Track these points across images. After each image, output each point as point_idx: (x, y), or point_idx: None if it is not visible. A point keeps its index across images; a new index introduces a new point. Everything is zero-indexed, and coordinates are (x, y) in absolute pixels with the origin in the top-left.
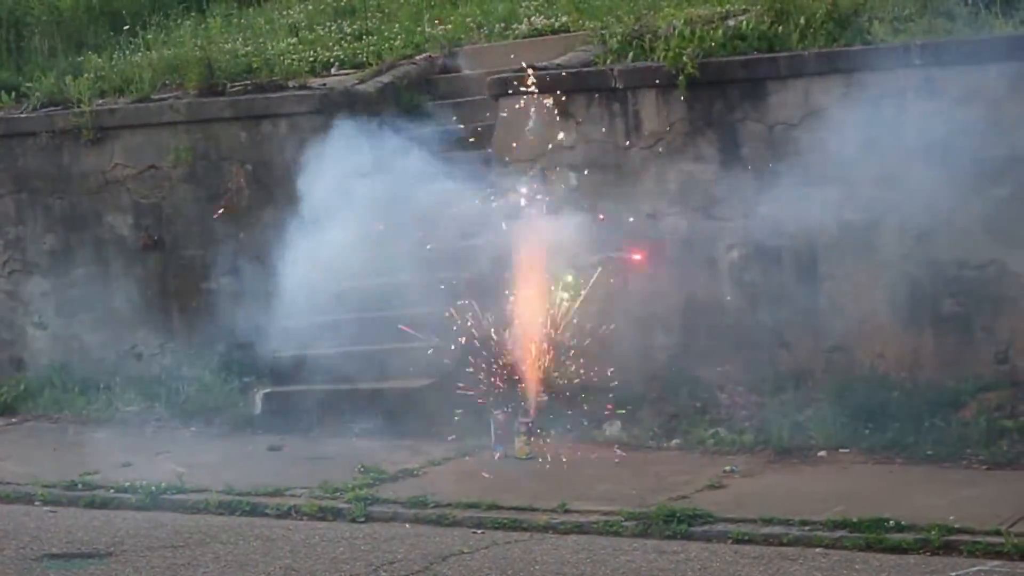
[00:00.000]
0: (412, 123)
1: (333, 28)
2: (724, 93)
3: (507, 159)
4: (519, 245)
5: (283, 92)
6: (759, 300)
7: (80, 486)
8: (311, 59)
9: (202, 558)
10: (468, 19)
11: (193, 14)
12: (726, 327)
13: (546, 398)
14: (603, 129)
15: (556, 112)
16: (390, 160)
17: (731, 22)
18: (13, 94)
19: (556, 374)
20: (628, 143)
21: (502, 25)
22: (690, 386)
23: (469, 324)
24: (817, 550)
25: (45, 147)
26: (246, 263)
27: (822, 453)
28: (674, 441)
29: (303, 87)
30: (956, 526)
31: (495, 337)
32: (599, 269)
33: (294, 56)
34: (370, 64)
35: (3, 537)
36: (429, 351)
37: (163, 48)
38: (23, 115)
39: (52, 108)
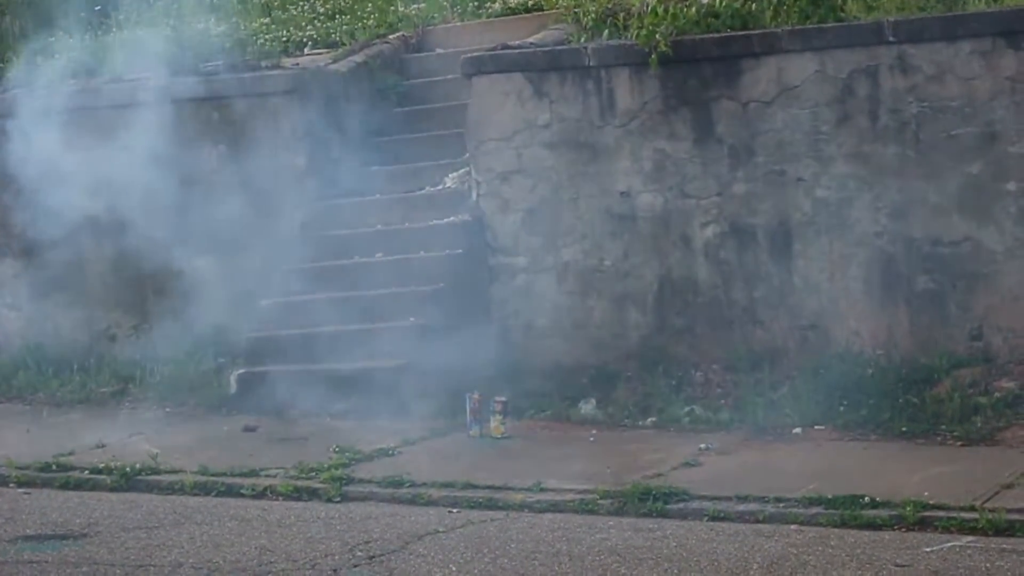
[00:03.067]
0: (384, 103)
1: (306, 8)
2: (698, 71)
3: (480, 138)
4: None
5: (256, 72)
6: (734, 278)
7: (54, 467)
8: (284, 39)
9: (177, 539)
10: None
11: None
12: (701, 305)
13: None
14: (577, 108)
15: (530, 91)
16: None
17: (704, 0)
18: None
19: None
20: (602, 121)
21: (475, 4)
22: (665, 364)
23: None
24: (792, 527)
25: (19, 128)
26: (217, 243)
27: (797, 430)
28: (649, 419)
29: (276, 67)
30: (931, 502)
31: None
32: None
33: (267, 36)
34: (343, 44)
35: None
36: (404, 331)
37: (136, 28)
38: None
39: (22, 88)
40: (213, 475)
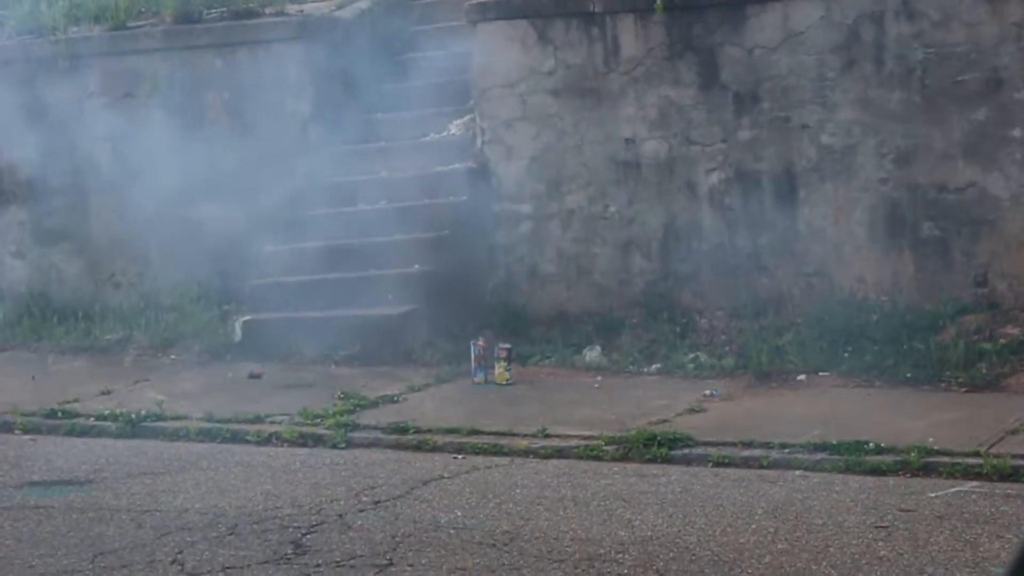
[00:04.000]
0: (389, 50)
1: None
2: (703, 17)
3: (485, 85)
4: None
5: (260, 19)
6: (738, 225)
7: (60, 414)
8: None
9: (183, 484)
10: None
11: None
12: (705, 252)
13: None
14: (581, 54)
15: (534, 37)
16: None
17: None
18: None
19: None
20: (607, 68)
21: None
22: (670, 311)
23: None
24: (797, 473)
25: (20, 75)
26: (221, 191)
27: (801, 377)
28: (654, 366)
29: (280, 13)
30: (935, 448)
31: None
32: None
33: None
34: None
35: None
36: (409, 278)
37: None
38: None
39: (27, 36)
40: (218, 421)
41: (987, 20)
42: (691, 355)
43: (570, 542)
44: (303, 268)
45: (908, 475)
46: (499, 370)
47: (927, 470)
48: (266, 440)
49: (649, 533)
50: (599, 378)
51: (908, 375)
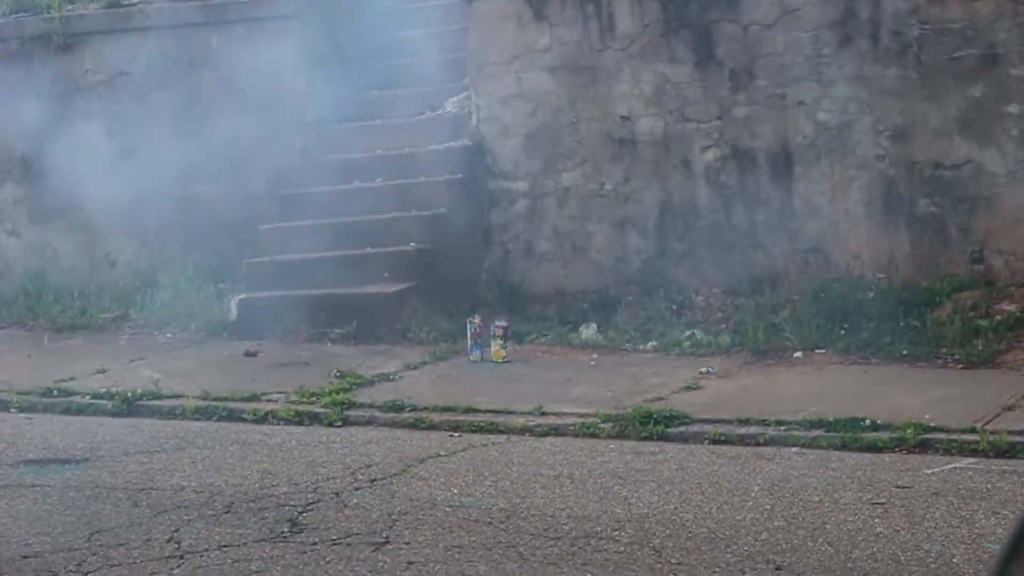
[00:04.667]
0: (384, 27)
1: None
2: None
3: (480, 62)
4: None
5: None
6: (734, 202)
7: (56, 393)
8: None
9: (179, 463)
10: None
11: None
12: (701, 229)
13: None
14: (577, 31)
15: (530, 14)
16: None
17: None
18: None
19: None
20: (602, 45)
21: None
22: (666, 289)
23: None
24: (793, 449)
25: (15, 54)
26: (216, 168)
27: (797, 354)
28: (650, 343)
29: None
30: (932, 424)
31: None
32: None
33: None
34: None
35: None
36: (405, 256)
37: None
38: None
39: (21, 14)
40: (214, 400)
41: None
42: (687, 332)
43: (566, 520)
44: (299, 246)
45: (904, 452)
46: (495, 348)
47: (923, 447)
48: (262, 418)
49: (645, 510)
50: (595, 356)
51: (904, 352)
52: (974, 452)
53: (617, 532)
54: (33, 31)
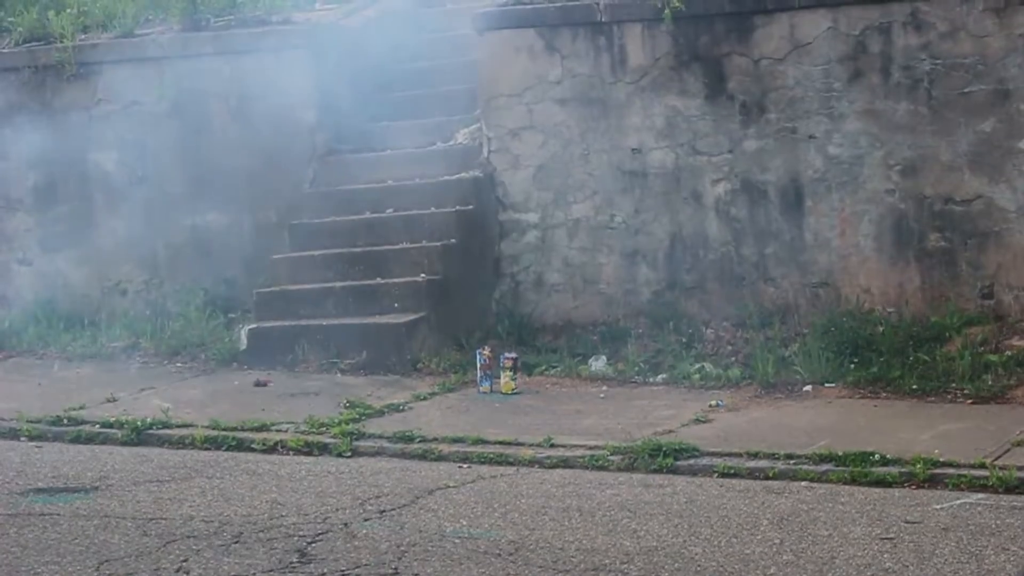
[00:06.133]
0: (396, 58)
1: None
2: (710, 27)
3: (492, 94)
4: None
5: (267, 27)
6: (745, 235)
7: (65, 421)
8: None
9: (188, 492)
10: None
11: None
12: (712, 262)
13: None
14: (589, 63)
15: (541, 46)
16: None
17: None
18: None
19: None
20: (614, 77)
21: None
22: (676, 321)
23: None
24: (802, 484)
25: (28, 83)
26: (227, 198)
27: (807, 388)
28: (660, 376)
29: (287, 22)
30: (941, 459)
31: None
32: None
33: None
34: None
35: None
36: (415, 287)
37: None
38: (5, 50)
39: (35, 43)
40: (224, 429)
41: (994, 32)
42: (697, 365)
43: (575, 552)
44: (309, 276)
45: (914, 487)
46: (505, 379)
47: (933, 482)
48: (272, 448)
49: (654, 543)
50: (605, 388)
51: (914, 387)
52: (984, 488)
53: (626, 565)
54: (46, 60)
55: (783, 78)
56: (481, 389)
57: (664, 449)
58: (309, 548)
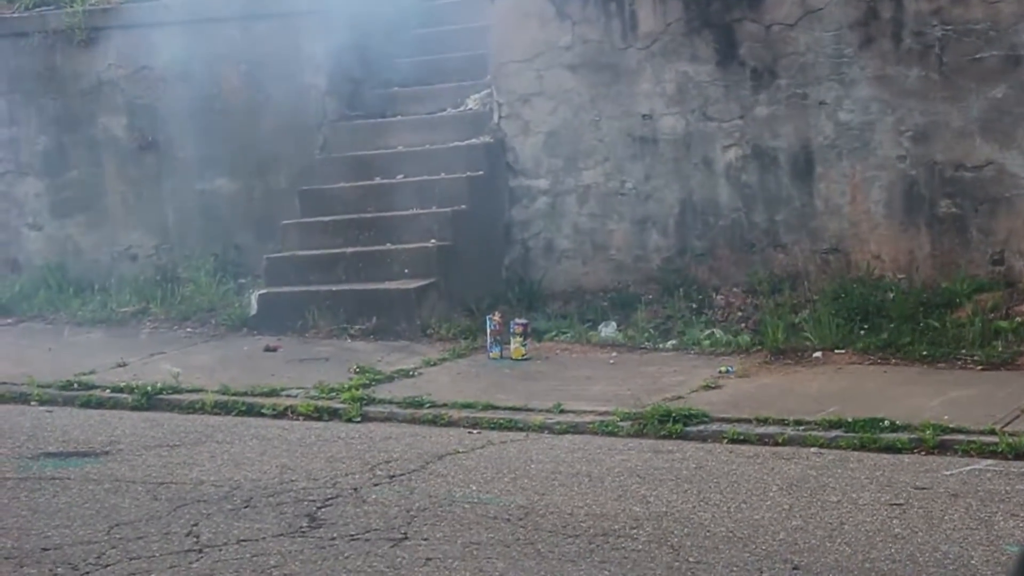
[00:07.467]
0: (407, 23)
1: None
2: None
3: (502, 60)
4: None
5: None
6: (755, 201)
7: (76, 386)
8: None
9: (198, 457)
10: None
11: None
12: (722, 228)
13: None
14: (599, 29)
15: (552, 12)
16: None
17: None
18: None
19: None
20: (624, 43)
21: None
22: (686, 287)
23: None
24: (812, 449)
25: (37, 47)
26: (238, 163)
27: (817, 354)
28: (670, 342)
29: None
30: (951, 426)
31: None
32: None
33: None
34: None
35: (0, 436)
36: (425, 252)
37: None
38: (15, 15)
39: (44, 8)
40: (234, 394)
41: None
42: (707, 331)
43: (584, 517)
44: (319, 242)
45: (923, 453)
46: (515, 345)
47: (942, 448)
48: (282, 413)
49: (664, 509)
50: (614, 354)
51: (924, 353)
52: (993, 454)
53: (635, 530)
54: (56, 25)
55: (794, 44)
56: (491, 355)
57: (674, 415)
58: (319, 513)
